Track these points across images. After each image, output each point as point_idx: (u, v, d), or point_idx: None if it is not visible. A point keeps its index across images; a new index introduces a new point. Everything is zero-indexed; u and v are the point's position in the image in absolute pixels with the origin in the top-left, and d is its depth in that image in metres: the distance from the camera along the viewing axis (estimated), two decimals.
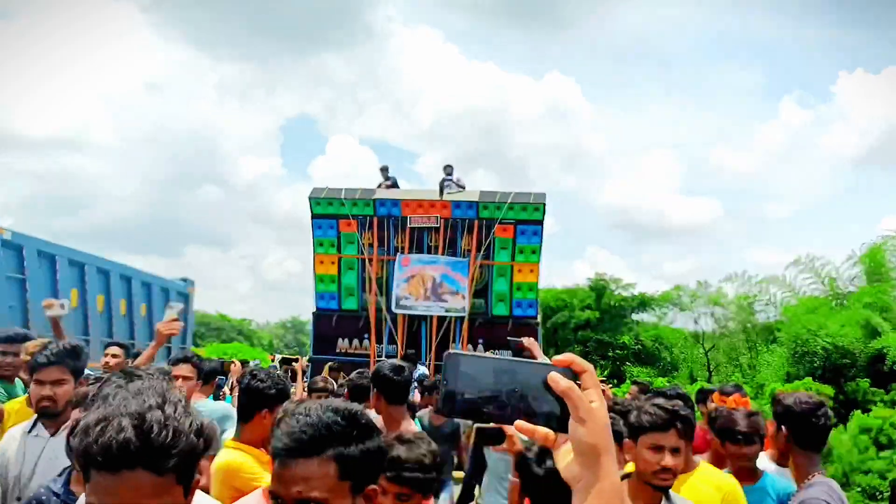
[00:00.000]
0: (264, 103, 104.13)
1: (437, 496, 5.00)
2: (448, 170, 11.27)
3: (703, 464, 2.75)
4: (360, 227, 10.93)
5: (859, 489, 7.57)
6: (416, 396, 6.08)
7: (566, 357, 0.73)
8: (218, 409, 4.03)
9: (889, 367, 10.68)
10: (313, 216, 11.09)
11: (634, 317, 20.41)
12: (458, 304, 10.61)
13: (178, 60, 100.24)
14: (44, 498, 1.83)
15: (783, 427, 2.38)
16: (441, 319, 10.68)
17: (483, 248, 10.65)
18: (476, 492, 4.92)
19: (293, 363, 6.63)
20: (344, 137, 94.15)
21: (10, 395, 3.59)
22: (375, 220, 10.87)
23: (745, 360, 17.37)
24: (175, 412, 1.05)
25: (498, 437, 3.13)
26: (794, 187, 69.06)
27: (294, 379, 5.34)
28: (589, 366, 0.73)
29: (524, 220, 10.59)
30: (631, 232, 74.90)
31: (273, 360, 13.80)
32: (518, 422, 0.72)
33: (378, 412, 2.96)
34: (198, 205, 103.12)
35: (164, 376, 2.12)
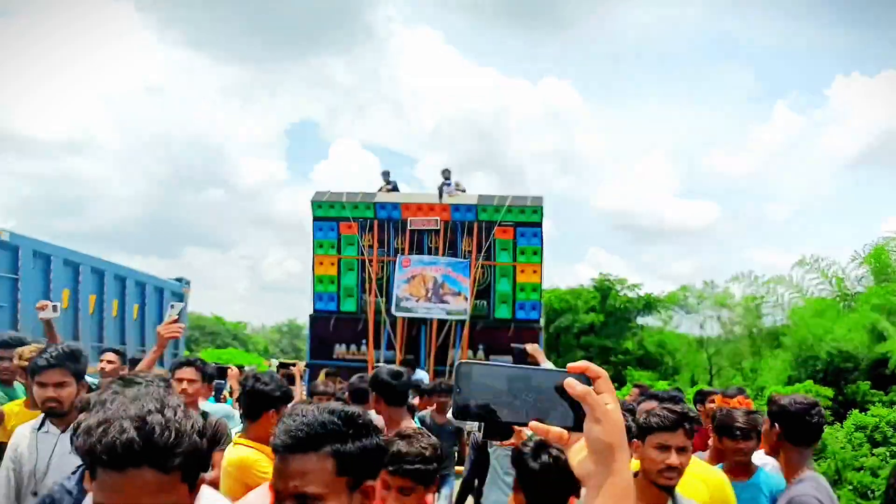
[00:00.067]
0: (266, 106, 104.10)
1: (439, 490, 5.06)
2: (446, 174, 11.36)
3: (692, 458, 2.81)
4: (361, 229, 10.95)
5: (851, 487, 7.61)
6: (414, 400, 6.11)
7: (581, 364, 0.77)
8: (220, 410, 4.10)
9: (891, 370, 10.72)
10: (314, 219, 11.12)
11: (640, 320, 20.33)
12: (461, 305, 10.56)
13: (179, 62, 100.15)
14: (57, 496, 1.86)
15: (776, 424, 2.48)
16: (441, 324, 10.62)
17: (484, 250, 10.63)
18: (471, 499, 4.96)
19: (291, 367, 6.66)
20: (346, 141, 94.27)
21: (11, 398, 3.67)
22: (376, 222, 10.89)
23: (747, 365, 17.34)
24: (175, 415, 1.07)
25: (504, 432, 3.18)
26: (792, 189, 69.37)
27: (292, 383, 5.38)
28: (603, 371, 0.77)
29: (523, 222, 10.60)
30: (631, 233, 75.06)
31: (269, 366, 13.77)
32: (532, 422, 0.76)
33: (379, 414, 3.01)
34: (199, 207, 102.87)
35: (163, 383, 2.17)
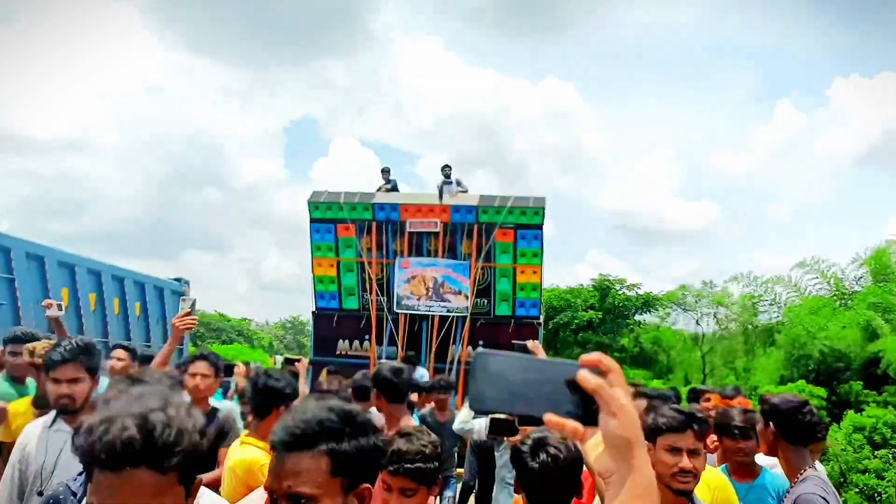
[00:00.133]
0: (265, 107, 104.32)
1: (441, 492, 5.07)
2: (446, 171, 11.16)
3: None
4: (359, 231, 10.89)
5: (857, 489, 7.62)
6: (412, 396, 6.14)
7: (594, 356, 0.75)
8: (226, 408, 4.12)
9: (882, 370, 10.70)
10: (311, 220, 11.04)
11: (638, 317, 20.39)
12: (461, 303, 10.57)
13: (179, 63, 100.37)
14: (62, 497, 1.84)
15: (771, 424, 2.50)
16: (442, 320, 10.64)
17: (483, 253, 10.63)
18: (472, 500, 4.98)
19: (296, 363, 6.70)
20: (345, 140, 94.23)
21: (22, 396, 3.60)
22: (374, 224, 10.83)
23: (740, 363, 17.35)
24: (178, 413, 1.06)
25: (510, 429, 3.21)
26: (792, 190, 69.15)
27: (296, 379, 5.40)
28: (616, 365, 0.75)
29: (524, 224, 10.55)
30: (631, 234, 74.94)
31: (274, 363, 13.81)
32: (547, 415, 0.74)
33: (379, 410, 3.04)
34: (198, 207, 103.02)
35: (170, 381, 2.18)
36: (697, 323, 19.59)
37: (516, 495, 2.33)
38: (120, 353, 4.56)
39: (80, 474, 1.88)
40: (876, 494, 7.51)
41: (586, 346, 18.31)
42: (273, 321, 56.40)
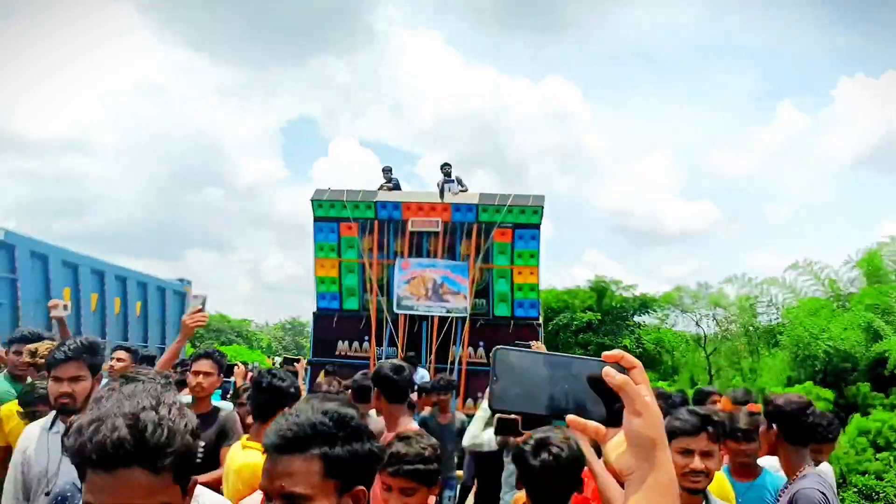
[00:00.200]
0: (265, 105, 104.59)
1: (442, 493, 5.05)
2: (446, 168, 11.19)
3: None
4: (361, 230, 10.91)
5: (856, 490, 7.61)
6: (412, 396, 6.11)
7: (616, 353, 0.75)
8: (224, 407, 4.10)
9: (889, 371, 10.69)
10: (315, 219, 11.08)
11: (636, 319, 20.40)
12: (461, 304, 10.59)
13: (178, 62, 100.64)
14: (69, 494, 1.84)
15: (774, 425, 2.52)
16: (442, 321, 10.66)
17: (482, 253, 10.65)
18: (471, 497, 4.97)
19: (294, 363, 6.70)
20: (345, 139, 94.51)
21: None
22: (376, 223, 10.86)
23: (746, 364, 17.37)
24: (169, 413, 1.05)
25: (516, 429, 3.20)
26: (792, 191, 69.29)
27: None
28: (638, 362, 0.75)
29: (522, 223, 10.57)
30: (629, 235, 75.11)
31: (273, 363, 13.79)
32: (570, 417, 0.73)
33: (379, 411, 3.01)
34: (199, 207, 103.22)
35: (163, 380, 2.16)
36: (697, 324, 19.62)
37: (518, 491, 2.33)
38: (121, 353, 4.56)
39: None
40: (874, 494, 7.49)
41: (587, 347, 18.33)
42: (273, 322, 56.45)
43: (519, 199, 10.78)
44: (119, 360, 4.42)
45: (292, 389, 2.70)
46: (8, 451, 2.96)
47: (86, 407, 2.37)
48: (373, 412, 3.76)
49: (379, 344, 10.74)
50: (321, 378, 7.29)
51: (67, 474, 2.15)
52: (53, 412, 2.53)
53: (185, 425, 1.06)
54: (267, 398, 2.67)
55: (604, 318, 19.31)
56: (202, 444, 3.49)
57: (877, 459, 7.88)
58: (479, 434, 3.92)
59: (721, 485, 2.73)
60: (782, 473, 3.01)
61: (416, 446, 2.06)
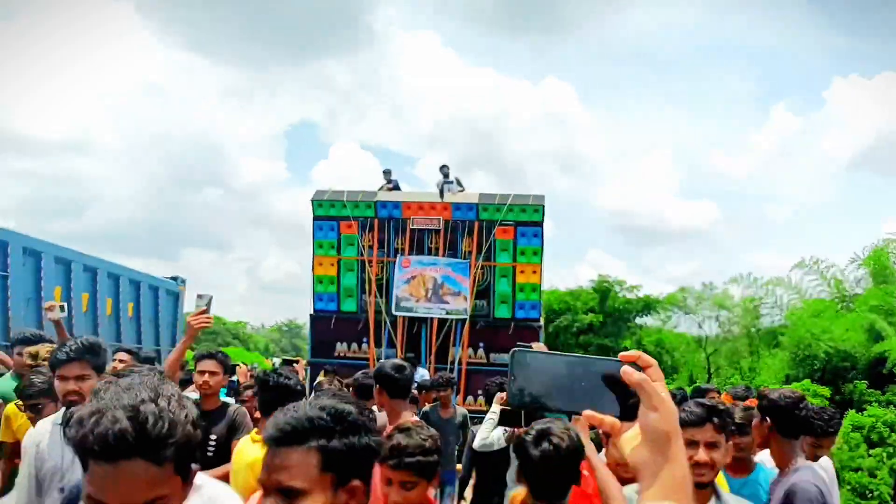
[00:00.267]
0: (266, 107, 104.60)
1: (443, 489, 5.09)
2: (445, 170, 11.26)
3: None
4: (361, 228, 10.92)
5: (849, 487, 7.65)
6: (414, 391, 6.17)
7: (633, 353, 0.77)
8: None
9: (888, 369, 10.75)
10: (315, 217, 11.09)
11: (638, 321, 20.37)
12: (460, 305, 10.57)
13: (179, 63, 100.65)
14: (83, 486, 1.86)
15: (767, 419, 2.57)
16: (442, 322, 10.63)
17: (484, 251, 10.64)
18: (468, 492, 5.00)
19: (294, 364, 6.77)
20: (345, 143, 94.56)
21: None
22: (376, 221, 10.87)
23: (745, 364, 17.39)
24: (168, 405, 1.05)
25: (518, 420, 3.26)
26: (791, 190, 69.50)
27: None
28: (653, 360, 0.77)
29: (524, 221, 10.58)
30: (631, 235, 75.23)
31: (272, 365, 13.79)
32: (586, 411, 0.76)
33: (381, 407, 3.07)
34: (198, 208, 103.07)
35: (159, 374, 2.20)
36: (700, 326, 19.61)
37: (517, 487, 2.36)
38: (123, 355, 4.55)
39: None
40: (868, 492, 7.54)
41: (588, 348, 18.33)
42: (269, 324, 56.39)
43: (519, 198, 10.79)
44: (121, 361, 4.41)
45: (298, 387, 2.79)
46: (16, 446, 3.00)
47: None
48: (375, 408, 3.82)
49: (378, 345, 10.71)
50: (321, 377, 7.34)
51: (80, 470, 2.20)
52: (63, 408, 2.56)
53: (186, 416, 1.07)
54: (273, 395, 2.73)
55: (606, 319, 19.28)
56: (213, 437, 3.51)
57: (870, 455, 7.93)
58: (489, 434, 3.98)
59: (716, 480, 2.78)
60: (765, 463, 3.08)
61: (416, 437, 2.06)
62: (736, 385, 8.29)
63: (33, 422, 2.84)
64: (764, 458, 3.16)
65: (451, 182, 11.19)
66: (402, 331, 10.66)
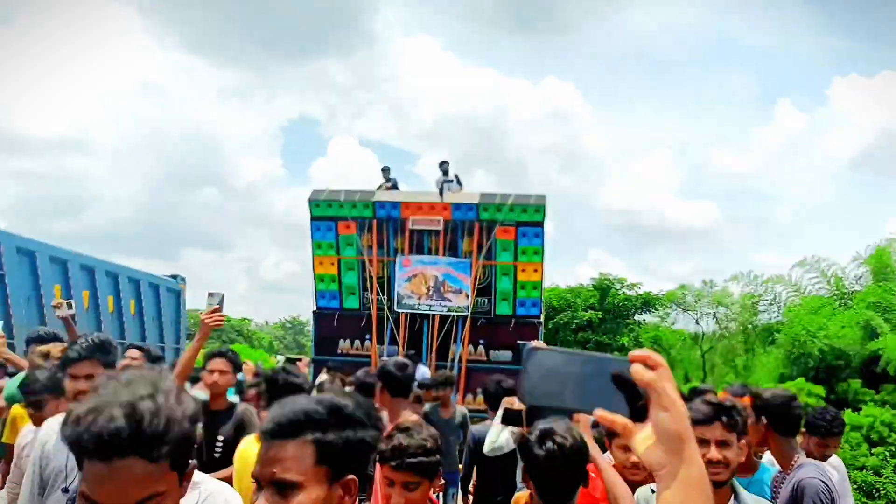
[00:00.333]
0: (264, 106, 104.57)
1: (446, 490, 5.11)
2: (444, 166, 11.21)
3: None
4: (360, 229, 10.91)
5: (855, 486, 7.67)
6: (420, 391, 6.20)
7: (642, 352, 0.77)
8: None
9: (882, 368, 10.75)
10: (312, 218, 11.06)
11: (638, 317, 20.42)
12: (462, 302, 10.60)
13: (177, 62, 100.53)
14: None
15: (762, 418, 2.61)
16: (443, 319, 10.67)
17: (484, 251, 10.65)
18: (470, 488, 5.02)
19: (297, 363, 6.82)
20: (344, 139, 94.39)
21: None
22: (375, 222, 10.85)
23: (740, 362, 17.40)
24: (167, 401, 1.03)
25: (520, 420, 3.28)
26: (792, 190, 69.32)
27: None
28: (663, 361, 0.77)
29: (525, 221, 10.58)
30: (632, 234, 75.11)
31: (276, 362, 13.85)
32: (598, 410, 0.76)
33: (382, 405, 3.11)
34: (197, 207, 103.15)
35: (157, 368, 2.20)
36: (697, 322, 19.66)
37: (523, 489, 2.36)
38: (133, 352, 4.50)
39: None
40: (874, 491, 7.57)
41: (586, 345, 18.36)
42: (272, 321, 56.46)
43: (520, 198, 10.76)
44: (133, 359, 4.35)
45: (305, 386, 2.87)
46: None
47: None
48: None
49: (380, 342, 10.76)
50: (324, 375, 7.36)
51: None
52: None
53: (183, 412, 1.04)
54: (282, 394, 2.75)
55: (605, 316, 19.34)
56: (221, 438, 3.50)
57: (872, 455, 7.96)
58: (498, 437, 3.99)
59: None
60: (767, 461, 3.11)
61: (417, 438, 2.04)
62: (731, 383, 8.30)
63: (34, 419, 2.80)
64: (770, 458, 3.19)
65: (451, 181, 11.14)
66: (405, 328, 10.70)
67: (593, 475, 2.22)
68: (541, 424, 2.09)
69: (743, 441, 2.21)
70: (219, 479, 2.11)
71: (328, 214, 10.98)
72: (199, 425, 1.14)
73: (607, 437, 2.49)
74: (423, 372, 8.61)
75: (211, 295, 3.00)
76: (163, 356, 7.08)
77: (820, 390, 10.45)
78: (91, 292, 10.15)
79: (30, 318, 8.18)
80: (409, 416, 2.98)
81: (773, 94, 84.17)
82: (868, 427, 8.22)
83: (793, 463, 2.60)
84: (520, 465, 3.91)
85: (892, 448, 7.99)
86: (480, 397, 8.41)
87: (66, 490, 2.34)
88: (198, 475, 1.57)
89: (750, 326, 17.43)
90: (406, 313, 10.72)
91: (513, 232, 10.61)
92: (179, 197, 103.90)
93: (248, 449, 2.79)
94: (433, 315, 10.67)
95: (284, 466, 1.14)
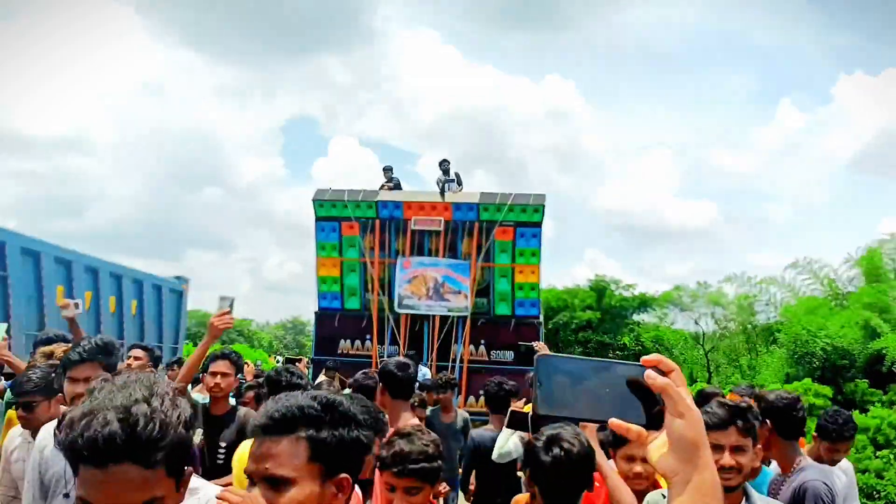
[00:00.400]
0: (264, 105, 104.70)
1: (448, 497, 5.06)
2: (444, 165, 11.25)
3: None
4: (363, 229, 10.97)
5: (857, 489, 7.62)
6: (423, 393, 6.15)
7: (654, 357, 0.76)
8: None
9: (888, 367, 10.71)
10: (317, 219, 11.13)
11: (635, 317, 20.46)
12: (461, 303, 10.66)
13: (177, 61, 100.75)
14: None
15: (767, 421, 2.57)
16: (443, 319, 10.71)
17: (483, 252, 10.70)
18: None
19: (297, 363, 6.78)
20: (345, 138, 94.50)
21: None
22: (378, 222, 10.91)
23: (744, 361, 17.43)
24: (162, 405, 1.02)
25: (526, 424, 3.23)
26: (792, 190, 69.34)
27: None
28: (676, 365, 0.76)
29: (524, 222, 10.64)
30: (629, 234, 75.16)
31: (275, 362, 13.83)
32: (612, 420, 0.75)
33: (383, 406, 3.04)
34: (198, 206, 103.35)
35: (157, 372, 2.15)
36: (696, 322, 19.69)
37: (526, 492, 2.32)
38: (137, 352, 4.40)
39: None
40: (875, 493, 7.51)
41: (587, 344, 18.40)
42: (273, 322, 56.51)
43: (520, 198, 10.83)
44: (136, 358, 4.28)
45: (308, 387, 2.87)
46: None
47: None
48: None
49: (381, 342, 10.81)
50: (322, 376, 7.34)
51: None
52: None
53: (178, 417, 1.03)
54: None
55: (603, 316, 19.38)
56: (223, 444, 3.43)
57: (877, 457, 7.89)
58: (506, 444, 3.95)
59: None
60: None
61: (418, 443, 2.03)
62: (738, 384, 8.24)
63: (24, 421, 2.70)
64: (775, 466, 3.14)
65: (452, 180, 11.22)
66: (405, 328, 10.70)
67: (597, 484, 2.18)
68: (548, 430, 2.07)
69: (759, 447, 2.19)
70: (220, 485, 2.06)
71: (332, 215, 11.04)
72: (200, 431, 1.09)
73: (611, 446, 2.44)
74: (424, 373, 8.58)
75: (222, 298, 3.02)
76: (161, 356, 7.03)
77: (827, 391, 10.37)
78: (94, 293, 10.17)
79: (29, 319, 8.15)
80: (409, 420, 2.93)
81: (774, 93, 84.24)
82: (875, 429, 8.15)
83: (794, 466, 2.58)
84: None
85: None
86: (482, 400, 8.37)
87: (67, 496, 2.30)
88: (196, 480, 1.54)
89: (750, 326, 17.48)
90: (407, 314, 10.71)
91: (511, 233, 10.66)
92: (181, 196, 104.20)
93: (247, 453, 2.73)
94: (433, 316, 10.70)
95: (277, 462, 1.13)
